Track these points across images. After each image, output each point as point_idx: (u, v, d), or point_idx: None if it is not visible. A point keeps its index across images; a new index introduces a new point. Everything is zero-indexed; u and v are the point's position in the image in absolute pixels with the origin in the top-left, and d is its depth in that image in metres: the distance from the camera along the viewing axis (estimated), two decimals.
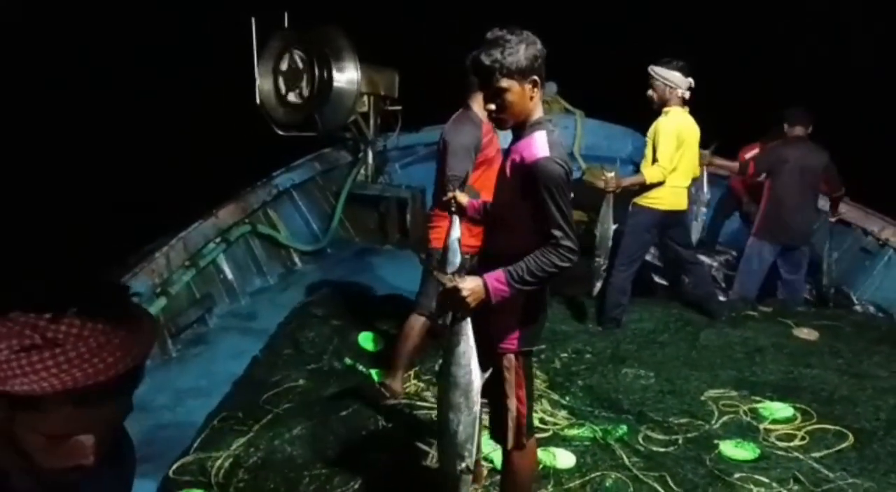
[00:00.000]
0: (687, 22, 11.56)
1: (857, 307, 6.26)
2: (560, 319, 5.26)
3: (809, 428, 3.92)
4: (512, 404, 2.68)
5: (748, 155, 6.34)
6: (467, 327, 2.52)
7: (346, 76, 6.90)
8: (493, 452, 3.39)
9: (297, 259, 6.74)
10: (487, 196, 3.82)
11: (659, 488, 3.35)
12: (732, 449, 3.70)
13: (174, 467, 3.46)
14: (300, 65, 6.89)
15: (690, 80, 4.98)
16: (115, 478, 1.24)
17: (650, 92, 5.05)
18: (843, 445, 3.77)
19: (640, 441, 3.76)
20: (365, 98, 7.28)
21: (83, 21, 9.45)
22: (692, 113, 5.10)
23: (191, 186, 6.87)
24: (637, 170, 5.28)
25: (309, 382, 4.30)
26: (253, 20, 6.71)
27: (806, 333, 5.23)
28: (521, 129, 2.60)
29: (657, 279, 6.32)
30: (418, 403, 4.07)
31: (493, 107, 2.55)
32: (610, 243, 4.85)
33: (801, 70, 10.07)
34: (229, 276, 5.82)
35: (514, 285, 2.46)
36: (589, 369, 4.59)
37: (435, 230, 4.05)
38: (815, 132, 5.87)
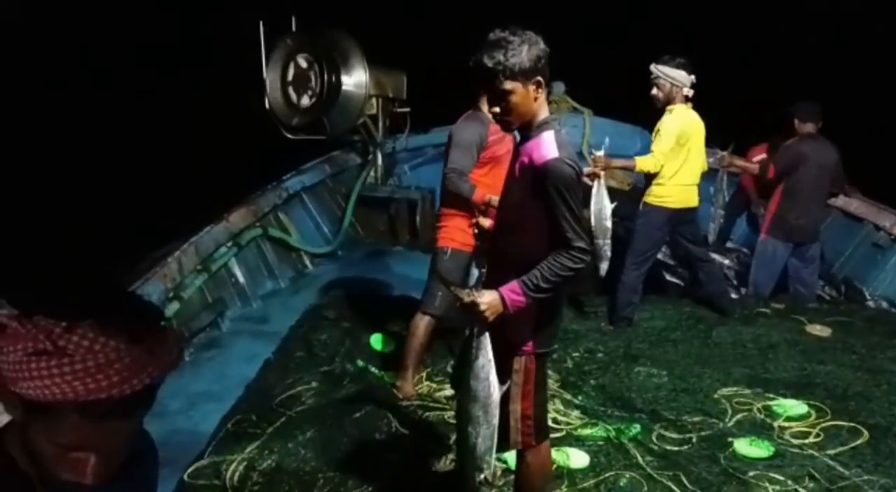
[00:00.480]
0: (687, 21, 11.52)
1: (870, 303, 6.22)
2: (571, 318, 5.26)
3: (824, 425, 3.90)
4: (517, 404, 2.68)
5: (756, 158, 6.32)
6: (486, 341, 2.53)
7: (355, 79, 6.92)
8: (508, 452, 3.39)
9: (308, 262, 6.76)
10: (496, 193, 3.84)
11: (673, 487, 3.34)
12: (747, 447, 3.68)
13: (189, 470, 3.48)
14: (308, 68, 6.92)
15: (693, 77, 4.97)
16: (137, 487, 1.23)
17: (654, 91, 5.02)
18: (858, 441, 3.74)
19: (654, 440, 3.75)
20: (373, 100, 7.30)
21: (83, 21, 9.47)
22: (695, 111, 5.08)
23: (199, 188, 6.89)
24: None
25: (321, 384, 4.31)
26: (261, 24, 6.74)
27: (819, 330, 5.21)
28: (527, 130, 2.59)
29: (669, 277, 6.30)
30: (431, 404, 4.07)
31: (497, 109, 2.55)
32: (608, 223, 4.60)
33: (801, 70, 10.01)
34: (241, 279, 5.84)
35: (530, 294, 2.46)
36: (601, 368, 4.58)
37: (443, 230, 4.06)
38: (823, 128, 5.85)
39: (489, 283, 2.63)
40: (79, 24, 9.47)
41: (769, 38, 11.75)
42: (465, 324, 2.56)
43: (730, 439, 3.75)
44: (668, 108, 4.98)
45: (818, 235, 5.93)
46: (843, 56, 10.68)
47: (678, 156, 4.97)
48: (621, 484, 3.35)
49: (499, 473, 3.40)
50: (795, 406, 4.11)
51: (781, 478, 3.41)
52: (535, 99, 2.53)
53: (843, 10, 10.89)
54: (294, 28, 6.98)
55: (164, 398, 4.12)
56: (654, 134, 5.05)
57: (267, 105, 6.98)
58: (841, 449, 3.68)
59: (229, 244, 5.77)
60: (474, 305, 2.49)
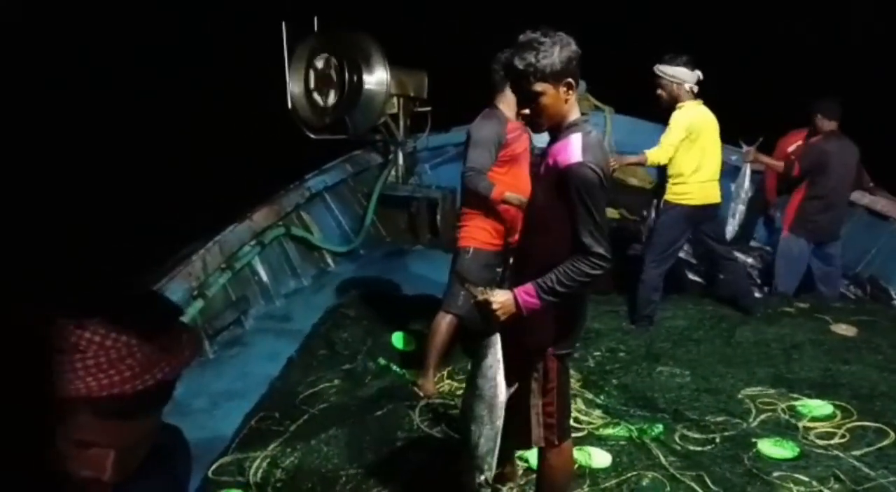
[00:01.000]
0: (686, 20, 11.41)
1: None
2: (593, 317, 5.21)
3: (849, 425, 3.86)
4: (538, 400, 2.67)
5: (791, 147, 6.24)
6: (496, 341, 2.53)
7: (376, 78, 6.94)
8: (529, 450, 3.39)
9: (330, 260, 6.80)
10: (514, 191, 3.84)
11: (696, 488, 3.32)
12: (771, 448, 3.66)
13: (213, 467, 3.52)
14: (330, 68, 6.95)
15: (698, 72, 4.93)
16: (166, 481, 1.25)
17: (658, 91, 5.02)
18: (884, 442, 3.70)
19: (677, 440, 3.73)
20: (395, 99, 7.32)
21: (83, 21, 9.52)
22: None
23: (220, 188, 6.93)
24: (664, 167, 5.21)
25: (344, 382, 4.34)
26: (283, 25, 6.78)
27: (844, 329, 5.15)
28: (556, 131, 2.58)
29: (691, 276, 6.26)
30: (452, 402, 4.08)
31: (527, 111, 2.54)
32: None
33: (801, 70, 9.90)
34: (264, 278, 5.89)
35: (544, 297, 2.45)
36: (623, 367, 4.57)
37: (464, 229, 4.06)
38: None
39: (514, 282, 2.63)
40: (79, 24, 9.52)
41: (769, 37, 11.61)
42: (485, 337, 2.57)
43: (753, 440, 3.72)
44: (679, 105, 4.96)
45: (839, 233, 5.88)
46: (843, 56, 10.55)
47: (691, 151, 4.95)
48: (644, 484, 3.34)
49: (520, 472, 3.40)
50: (820, 406, 4.07)
51: (806, 479, 3.38)
52: (566, 100, 2.52)
53: (844, 9, 10.77)
54: (316, 28, 7.02)
55: (187, 396, 4.21)
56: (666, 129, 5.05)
57: (290, 105, 7.02)
58: (867, 450, 3.64)
59: (253, 243, 5.81)
60: (487, 303, 2.49)
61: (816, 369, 4.57)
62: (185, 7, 10.42)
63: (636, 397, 4.22)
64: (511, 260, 2.93)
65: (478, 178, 3.87)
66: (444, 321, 4.12)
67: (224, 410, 4.21)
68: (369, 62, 6.91)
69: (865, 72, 10.15)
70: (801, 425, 3.91)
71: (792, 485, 3.34)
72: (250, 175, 7.16)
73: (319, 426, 3.75)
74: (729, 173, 5.40)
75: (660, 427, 3.83)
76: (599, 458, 3.54)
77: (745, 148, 5.90)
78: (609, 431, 3.81)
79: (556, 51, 2.42)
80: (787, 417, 3.99)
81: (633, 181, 8.15)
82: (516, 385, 2.59)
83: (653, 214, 5.29)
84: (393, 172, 7.62)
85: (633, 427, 3.82)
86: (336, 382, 4.33)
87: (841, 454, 3.61)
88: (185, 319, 4.41)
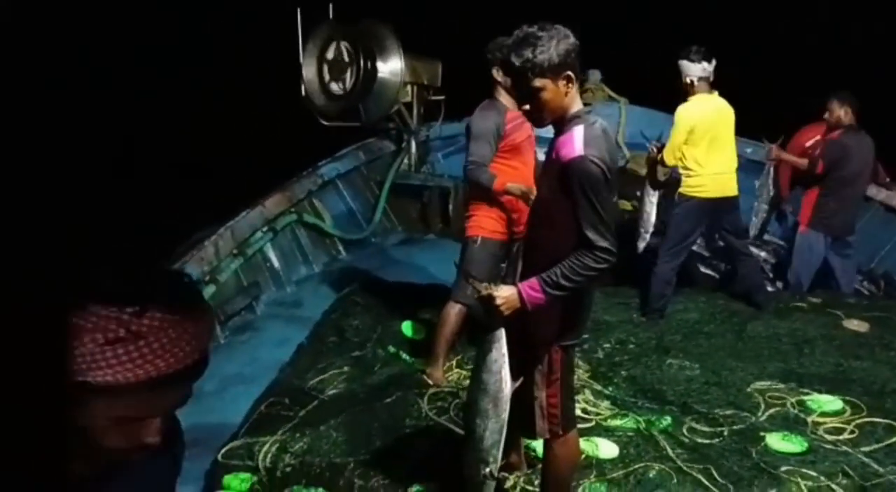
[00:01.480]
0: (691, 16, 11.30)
1: None
2: (603, 309, 5.22)
3: (859, 421, 3.84)
4: (541, 392, 2.68)
5: (809, 142, 6.18)
6: (501, 336, 2.53)
7: (390, 66, 6.93)
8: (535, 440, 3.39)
9: (341, 248, 6.82)
10: (516, 181, 3.84)
11: (703, 481, 3.31)
12: (779, 442, 3.64)
13: (223, 451, 3.56)
14: (344, 56, 6.94)
15: (704, 64, 4.85)
16: (170, 458, 1.28)
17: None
18: (894, 439, 3.68)
19: (685, 433, 3.72)
20: (408, 88, 7.31)
21: (83, 21, 9.54)
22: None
23: (222, 188, 6.94)
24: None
25: (353, 369, 4.36)
26: (298, 11, 6.78)
27: (856, 325, 5.11)
28: (560, 124, 2.56)
29: (703, 269, 6.22)
30: (460, 391, 4.09)
31: (528, 107, 2.53)
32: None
33: (802, 70, 9.81)
34: (276, 264, 5.92)
35: (548, 292, 2.44)
36: (632, 359, 4.56)
37: (472, 219, 4.07)
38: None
39: (523, 275, 2.63)
40: (79, 24, 9.54)
41: (769, 37, 11.49)
42: (489, 332, 2.57)
43: (762, 434, 3.71)
44: (689, 98, 4.93)
45: (855, 227, 5.84)
46: (843, 55, 10.43)
47: (698, 145, 4.91)
48: (650, 476, 3.34)
49: (524, 466, 3.41)
50: (830, 402, 4.05)
51: (814, 474, 3.37)
52: (566, 94, 2.50)
53: (843, 9, 10.66)
54: (331, 16, 7.01)
55: (198, 380, 4.23)
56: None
57: (303, 92, 7.03)
58: (876, 446, 3.62)
59: (265, 229, 5.84)
60: (491, 298, 2.49)
61: (827, 364, 4.55)
62: (185, 7, 10.42)
63: (645, 389, 4.22)
64: (513, 253, 2.93)
65: (479, 170, 3.88)
66: (454, 311, 4.13)
67: (234, 394, 4.24)
68: (384, 50, 6.90)
69: (865, 72, 10.05)
70: (810, 420, 3.89)
71: (800, 480, 3.33)
72: (250, 175, 7.15)
73: (328, 413, 3.77)
74: (742, 168, 5.35)
75: (668, 419, 3.82)
76: (606, 449, 3.53)
77: (767, 145, 5.86)
78: (617, 422, 3.80)
79: (553, 45, 2.40)
80: (796, 411, 3.97)
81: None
82: (521, 379, 2.59)
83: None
84: (405, 161, 7.62)
85: (640, 419, 3.82)
86: (345, 369, 4.35)
87: (850, 450, 3.59)
88: None
